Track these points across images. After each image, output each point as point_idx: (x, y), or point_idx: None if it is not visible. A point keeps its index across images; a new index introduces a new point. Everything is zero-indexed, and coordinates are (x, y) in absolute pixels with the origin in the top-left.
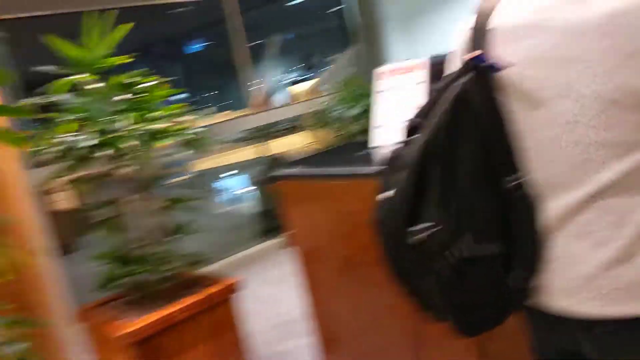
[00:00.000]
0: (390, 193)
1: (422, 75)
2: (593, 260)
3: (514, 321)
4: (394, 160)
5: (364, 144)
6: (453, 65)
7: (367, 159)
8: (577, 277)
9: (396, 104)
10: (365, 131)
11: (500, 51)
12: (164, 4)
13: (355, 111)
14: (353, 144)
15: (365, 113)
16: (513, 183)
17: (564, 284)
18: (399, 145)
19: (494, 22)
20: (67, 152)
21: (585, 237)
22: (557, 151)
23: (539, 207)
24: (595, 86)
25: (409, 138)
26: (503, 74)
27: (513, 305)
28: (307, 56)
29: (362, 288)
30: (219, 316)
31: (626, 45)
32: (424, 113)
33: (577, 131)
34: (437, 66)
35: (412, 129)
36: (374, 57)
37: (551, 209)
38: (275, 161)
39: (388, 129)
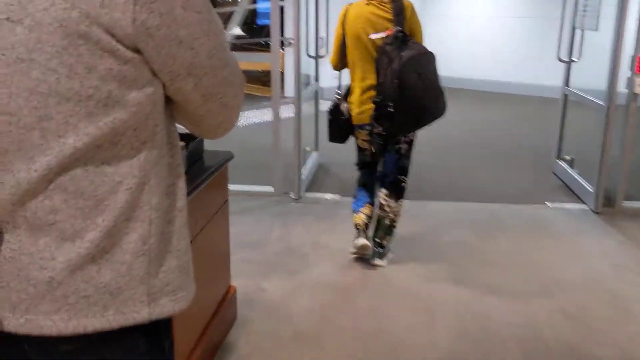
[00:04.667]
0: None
1: None
2: (59, 260)
3: None
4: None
5: None
6: None
7: None
8: (36, 284)
9: None
10: None
11: None
12: None
13: None
14: None
15: None
16: None
17: (17, 295)
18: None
19: None
20: None
21: (50, 230)
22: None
23: None
24: (56, 12)
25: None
26: None
27: None
28: None
29: None
30: None
31: None
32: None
33: (33, 74)
34: None
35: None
36: None
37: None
38: None
39: None
